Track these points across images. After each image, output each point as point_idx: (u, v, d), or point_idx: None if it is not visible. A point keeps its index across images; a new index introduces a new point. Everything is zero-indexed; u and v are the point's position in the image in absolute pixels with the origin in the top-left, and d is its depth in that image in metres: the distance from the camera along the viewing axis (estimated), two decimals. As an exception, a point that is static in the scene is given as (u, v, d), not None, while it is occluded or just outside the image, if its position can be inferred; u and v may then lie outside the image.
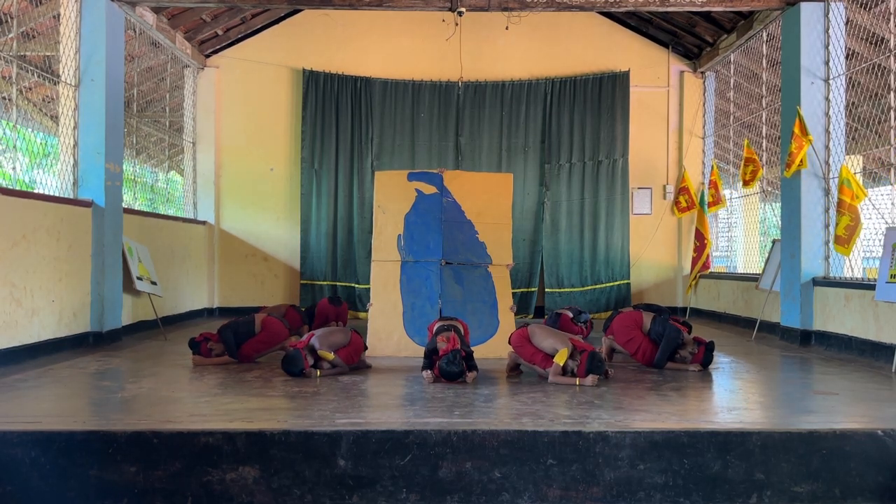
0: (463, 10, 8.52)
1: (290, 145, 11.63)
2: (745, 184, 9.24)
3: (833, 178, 7.95)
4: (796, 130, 7.89)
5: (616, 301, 11.51)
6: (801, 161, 7.89)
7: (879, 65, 7.61)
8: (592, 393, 5.34)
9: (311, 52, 11.57)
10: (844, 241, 7.34)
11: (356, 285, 11.40)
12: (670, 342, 6.41)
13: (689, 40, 11.47)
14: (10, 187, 6.82)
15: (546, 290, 11.53)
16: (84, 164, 7.96)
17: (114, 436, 4.07)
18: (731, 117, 11.12)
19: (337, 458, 4.06)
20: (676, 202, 11.65)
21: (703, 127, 11.76)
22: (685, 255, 11.73)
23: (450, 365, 5.63)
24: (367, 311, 8.63)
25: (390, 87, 11.55)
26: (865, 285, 7.17)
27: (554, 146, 11.60)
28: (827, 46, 8.07)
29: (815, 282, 8.01)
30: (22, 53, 7.74)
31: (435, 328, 6.24)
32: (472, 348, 6.11)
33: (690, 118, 11.74)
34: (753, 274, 10.09)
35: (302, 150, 11.47)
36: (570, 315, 8.29)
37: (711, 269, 11.41)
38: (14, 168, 7.09)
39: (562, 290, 11.51)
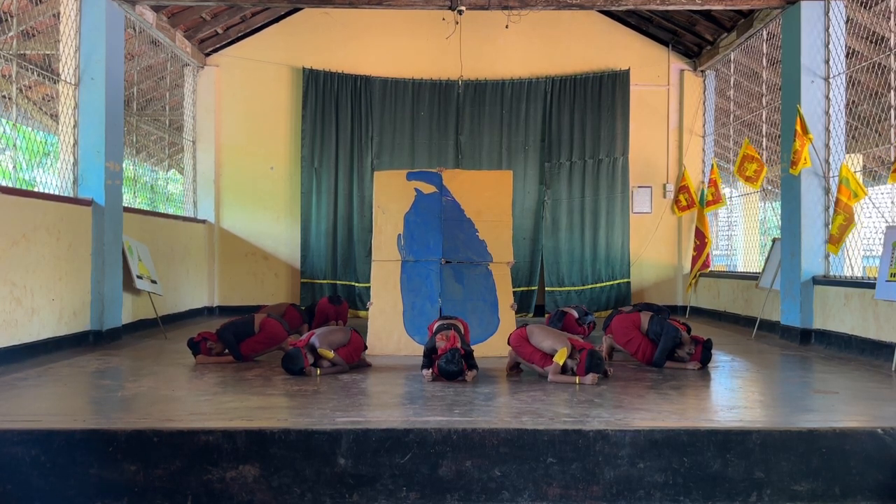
0: (463, 8, 8.51)
1: (290, 144, 11.63)
2: (748, 181, 9.12)
3: (833, 176, 7.95)
4: (798, 129, 7.89)
5: (616, 300, 11.51)
6: (805, 159, 7.88)
7: (879, 63, 7.60)
8: (592, 391, 5.35)
9: (311, 51, 11.57)
10: (836, 239, 7.35)
11: (356, 284, 11.40)
12: (668, 340, 6.41)
13: (690, 39, 11.46)
14: (11, 186, 6.82)
15: (546, 288, 11.53)
16: (84, 163, 7.96)
17: (114, 434, 4.07)
18: (732, 116, 11.12)
19: (337, 456, 4.06)
20: (676, 201, 11.65)
21: (704, 126, 11.75)
22: (685, 254, 11.74)
23: (448, 364, 5.63)
24: (367, 310, 8.63)
25: (390, 86, 11.55)
26: (865, 284, 7.17)
27: (554, 145, 11.60)
28: (827, 45, 8.06)
29: (815, 280, 8.01)
30: (22, 52, 7.73)
31: (434, 327, 6.24)
32: (473, 347, 6.12)
33: (690, 117, 11.74)
34: (753, 273, 10.09)
35: (302, 148, 11.47)
36: (576, 315, 8.28)
37: (711, 268, 11.42)
38: (14, 167, 7.09)
39: (562, 288, 11.51)
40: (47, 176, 7.58)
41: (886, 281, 6.43)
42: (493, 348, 7.08)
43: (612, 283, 11.62)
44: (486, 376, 5.98)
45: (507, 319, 7.47)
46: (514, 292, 8.69)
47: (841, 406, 5.01)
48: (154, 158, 11.68)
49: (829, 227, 7.96)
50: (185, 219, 10.99)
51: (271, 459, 4.05)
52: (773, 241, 9.18)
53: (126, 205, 8.80)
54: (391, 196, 7.93)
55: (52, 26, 8.02)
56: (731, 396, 5.51)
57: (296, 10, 11.41)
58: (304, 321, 8.52)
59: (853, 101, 8.15)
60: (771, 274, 8.88)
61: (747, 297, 9.90)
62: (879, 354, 6.81)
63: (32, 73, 7.85)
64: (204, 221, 11.40)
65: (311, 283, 11.43)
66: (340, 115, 11.52)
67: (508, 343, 6.14)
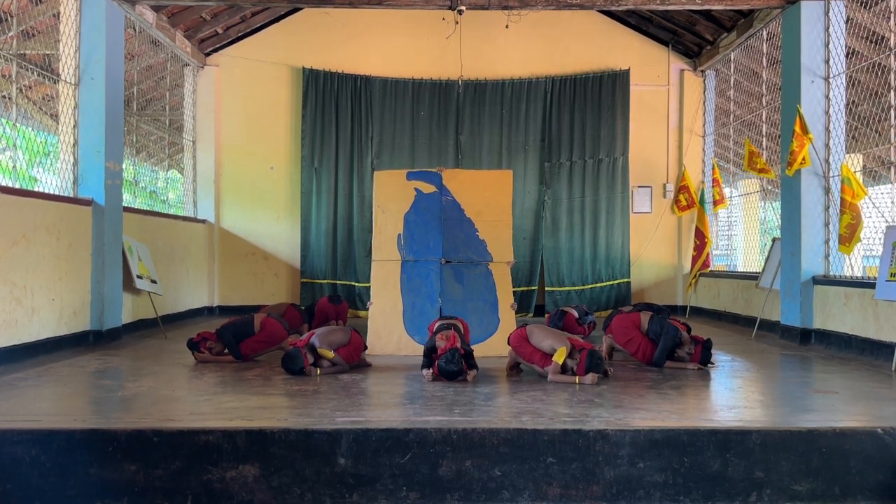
0: (463, 8, 8.51)
1: (290, 144, 11.63)
2: (762, 172, 8.99)
3: (833, 176, 7.95)
4: (797, 129, 7.89)
5: (616, 299, 11.51)
6: (804, 159, 7.88)
7: (879, 63, 7.60)
8: (592, 391, 5.35)
9: (311, 51, 11.57)
10: (846, 239, 7.35)
11: (356, 284, 11.40)
12: (668, 340, 6.41)
13: (690, 39, 11.46)
14: (11, 185, 6.82)
15: (546, 288, 11.53)
16: (84, 163, 7.96)
17: (114, 434, 4.08)
18: (732, 116, 11.12)
19: (337, 456, 4.06)
20: (676, 201, 11.65)
21: (703, 125, 11.75)
22: (685, 254, 11.74)
23: (448, 364, 5.63)
24: (367, 309, 8.63)
25: (390, 86, 11.55)
26: (865, 284, 7.17)
27: (554, 144, 11.60)
28: (827, 45, 8.06)
29: (815, 280, 8.01)
30: (22, 52, 7.73)
31: (434, 327, 6.24)
32: (473, 347, 6.12)
33: (690, 117, 11.74)
34: (753, 272, 10.09)
35: (302, 148, 11.47)
36: (576, 315, 8.29)
37: (711, 268, 11.42)
38: (14, 167, 7.09)
39: (562, 288, 11.51)
40: (47, 176, 7.58)
41: (886, 281, 6.43)
42: (493, 348, 7.08)
43: (612, 282, 11.62)
44: (486, 376, 5.98)
45: (507, 319, 7.47)
46: (514, 292, 8.68)
47: (841, 406, 5.01)
48: (154, 158, 11.68)
49: (830, 226, 7.98)
50: (185, 219, 10.99)
51: (271, 459, 4.05)
52: (773, 240, 9.17)
53: (126, 205, 8.80)
54: (391, 196, 7.92)
55: (52, 26, 8.02)
56: (731, 396, 5.51)
57: (296, 9, 11.41)
58: (304, 321, 8.52)
59: (853, 101, 8.14)
60: (771, 274, 8.87)
61: (747, 297, 9.89)
62: (879, 354, 6.80)
63: (32, 73, 7.85)
64: (204, 221, 11.40)
65: (311, 283, 11.43)
66: (340, 115, 11.52)
67: (508, 343, 6.14)
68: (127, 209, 8.72)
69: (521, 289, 11.34)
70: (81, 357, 6.96)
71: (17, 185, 7.03)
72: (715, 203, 10.96)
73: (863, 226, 7.23)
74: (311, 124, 11.47)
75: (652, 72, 11.78)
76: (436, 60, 11.53)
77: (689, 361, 6.45)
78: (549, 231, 11.58)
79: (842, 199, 7.36)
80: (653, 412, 4.67)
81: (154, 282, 8.89)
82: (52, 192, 7.52)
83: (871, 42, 8.08)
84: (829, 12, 8.05)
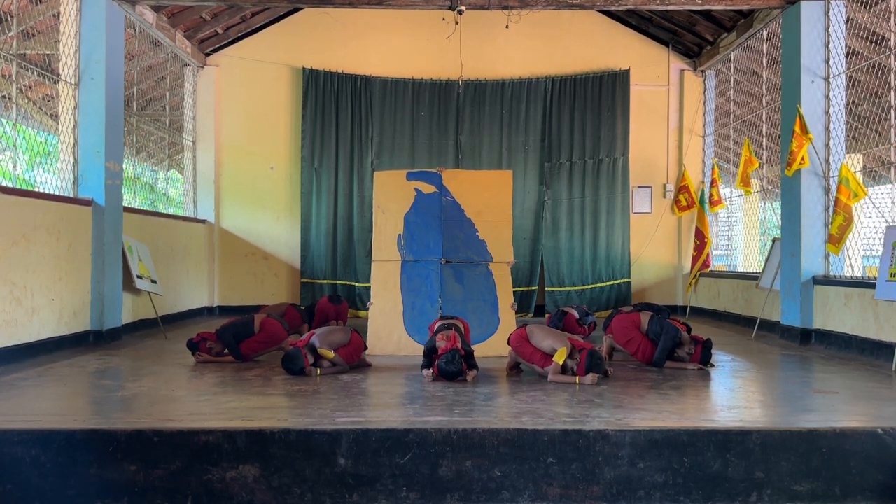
0: (463, 8, 8.51)
1: (291, 144, 11.63)
2: (744, 183, 9.18)
3: (833, 176, 7.95)
4: (797, 129, 7.89)
5: (616, 300, 11.51)
6: (803, 159, 7.89)
7: (880, 63, 7.60)
8: (592, 391, 5.34)
9: (312, 51, 11.57)
10: (836, 239, 7.36)
11: (356, 284, 11.40)
12: (668, 340, 6.41)
13: (690, 39, 11.46)
14: (11, 186, 6.82)
15: (546, 288, 11.53)
16: (84, 163, 7.96)
17: (114, 434, 4.07)
18: (732, 116, 11.12)
19: (337, 456, 4.06)
20: (676, 201, 11.65)
21: (704, 126, 11.75)
22: (685, 254, 11.74)
23: (448, 364, 5.63)
24: (367, 309, 8.63)
25: (390, 86, 11.55)
26: (865, 284, 7.17)
27: (554, 145, 11.60)
28: (827, 45, 8.06)
29: (816, 280, 8.01)
30: (22, 52, 7.73)
31: (435, 327, 6.24)
32: (473, 347, 6.11)
33: (690, 117, 11.74)
34: (753, 273, 10.09)
35: (302, 148, 11.47)
36: (577, 316, 8.28)
37: (711, 268, 11.42)
38: (14, 167, 7.09)
39: (562, 288, 11.51)
40: (47, 176, 7.58)
41: (886, 281, 6.43)
42: (493, 348, 7.08)
43: (612, 283, 11.62)
44: (486, 376, 5.98)
45: (507, 319, 7.47)
46: (514, 292, 8.68)
47: (841, 406, 5.01)
48: (154, 158, 11.69)
49: (830, 227, 7.97)
50: (185, 219, 10.99)
51: (271, 459, 4.05)
52: (773, 241, 9.17)
53: (126, 205, 8.80)
54: (391, 196, 7.93)
55: (52, 26, 8.02)
56: (731, 396, 5.51)
57: (296, 10, 11.41)
58: (304, 321, 8.52)
59: (853, 101, 8.14)
60: (771, 274, 8.87)
61: (747, 297, 9.89)
62: (879, 354, 6.80)
63: (32, 73, 7.85)
64: (204, 221, 11.40)
65: (311, 283, 11.43)
66: (340, 115, 11.52)
67: (508, 343, 6.13)
68: (127, 209, 8.72)
69: (521, 289, 11.34)
70: (81, 357, 6.96)
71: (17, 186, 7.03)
72: (712, 203, 10.97)
73: (853, 228, 7.24)
74: (311, 124, 11.46)
75: (652, 72, 11.78)
76: (436, 60, 11.52)
77: (689, 361, 6.45)
78: (550, 231, 11.57)
79: (837, 199, 7.36)
80: (653, 412, 4.67)
81: (154, 282, 8.89)
82: (52, 192, 7.52)
83: (871, 42, 8.08)
84: (829, 12, 8.05)
